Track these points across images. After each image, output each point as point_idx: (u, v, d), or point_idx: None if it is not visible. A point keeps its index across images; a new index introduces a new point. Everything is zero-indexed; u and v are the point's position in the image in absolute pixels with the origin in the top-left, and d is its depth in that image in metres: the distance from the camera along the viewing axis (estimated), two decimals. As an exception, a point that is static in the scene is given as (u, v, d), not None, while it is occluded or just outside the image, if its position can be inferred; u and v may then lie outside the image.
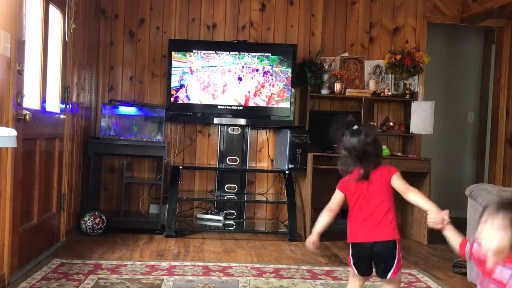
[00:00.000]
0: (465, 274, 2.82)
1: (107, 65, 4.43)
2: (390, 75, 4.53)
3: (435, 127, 4.43)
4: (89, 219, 3.79)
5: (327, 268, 3.16)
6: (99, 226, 3.80)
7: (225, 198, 4.35)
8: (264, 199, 4.51)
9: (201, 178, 4.50)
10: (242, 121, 4.35)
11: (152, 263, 3.06)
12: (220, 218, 4.26)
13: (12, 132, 1.78)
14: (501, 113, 4.91)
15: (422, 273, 3.15)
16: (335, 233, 4.43)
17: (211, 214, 4.32)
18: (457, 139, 5.79)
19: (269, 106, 4.34)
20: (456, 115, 5.78)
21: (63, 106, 3.45)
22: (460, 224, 2.85)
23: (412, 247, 4.06)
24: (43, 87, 3.09)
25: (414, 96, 4.50)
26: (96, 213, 3.84)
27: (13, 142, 1.76)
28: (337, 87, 4.40)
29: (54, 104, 3.34)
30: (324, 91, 4.40)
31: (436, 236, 4.25)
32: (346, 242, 4.23)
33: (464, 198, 2.78)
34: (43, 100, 3.10)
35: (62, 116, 3.42)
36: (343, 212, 4.49)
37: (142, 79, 4.47)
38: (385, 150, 4.28)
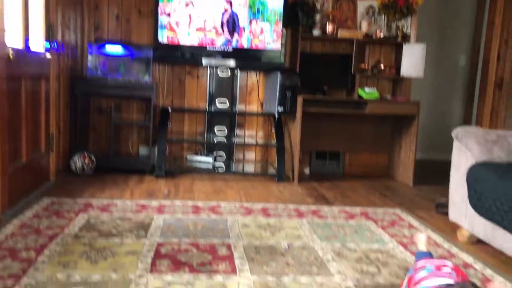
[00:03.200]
0: (447, 214, 2.91)
1: (91, 3, 4.28)
2: (383, 17, 4.44)
3: (426, 70, 4.41)
4: (78, 160, 3.80)
5: (314, 207, 3.24)
6: (89, 167, 3.82)
7: (215, 140, 4.36)
8: (254, 141, 4.54)
9: (190, 120, 4.49)
10: (232, 63, 4.28)
11: (143, 202, 3.11)
12: (210, 159, 4.30)
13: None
14: (492, 57, 4.88)
15: (406, 212, 3.25)
16: (322, 174, 4.53)
17: (201, 155, 4.35)
18: (447, 83, 5.79)
19: (259, 48, 4.27)
20: (448, 58, 5.75)
21: (48, 45, 3.36)
22: (446, 167, 2.91)
23: (397, 188, 4.16)
24: (25, 25, 3.00)
25: (406, 38, 4.43)
26: (86, 153, 3.85)
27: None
28: (329, 28, 4.32)
29: (38, 44, 3.26)
30: (316, 32, 4.32)
31: (422, 178, 4.36)
32: (333, 183, 4.37)
33: (452, 142, 2.81)
34: (27, 39, 3.02)
35: (47, 55, 3.35)
36: (318, 154, 4.50)
37: (129, 17, 4.34)
38: (375, 93, 4.28)
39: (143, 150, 4.39)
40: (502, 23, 4.78)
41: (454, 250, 2.54)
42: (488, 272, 2.24)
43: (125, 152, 4.41)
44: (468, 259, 2.41)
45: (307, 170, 4.62)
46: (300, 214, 3.05)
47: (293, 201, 3.41)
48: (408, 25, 4.47)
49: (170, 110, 4.13)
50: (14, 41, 2.81)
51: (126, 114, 4.39)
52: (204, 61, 4.24)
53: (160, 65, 4.37)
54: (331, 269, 2.15)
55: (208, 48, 4.22)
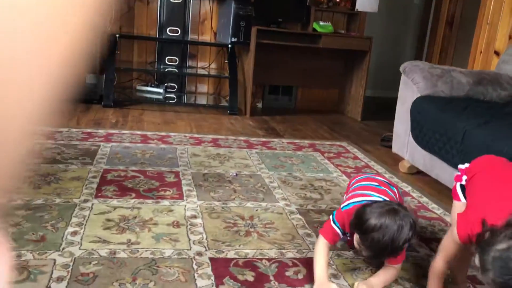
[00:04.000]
0: (390, 147, 3.02)
1: None
2: None
3: (380, 5, 4.40)
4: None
5: (264, 139, 3.28)
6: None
7: (166, 70, 4.25)
8: (206, 73, 4.46)
9: (140, 49, 4.33)
10: (184, -11, 4.10)
11: (89, 130, 3.03)
12: (161, 90, 4.21)
13: None
14: (445, -5, 4.92)
15: (352, 145, 3.35)
16: (274, 108, 4.56)
17: (151, 86, 4.24)
18: (400, 20, 5.82)
19: (213, -27, 4.09)
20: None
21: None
22: (395, 103, 2.99)
23: (346, 122, 4.26)
24: None
25: (363, -29, 4.36)
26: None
27: None
28: (285, -44, 4.17)
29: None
30: (272, -39, 4.17)
31: (370, 114, 4.47)
32: (284, 117, 4.40)
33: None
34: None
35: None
36: (271, 89, 4.46)
37: None
38: (329, 27, 4.25)
39: (90, 79, 4.22)
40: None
41: (395, 180, 2.66)
42: (424, 199, 2.37)
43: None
44: (407, 188, 2.53)
45: (259, 104, 4.62)
46: (250, 145, 3.08)
47: (244, 133, 3.43)
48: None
49: (117, 37, 3.95)
50: None
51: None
52: (155, -14, 4.02)
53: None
54: (276, 196, 2.22)
55: (158, -28, 3.99)
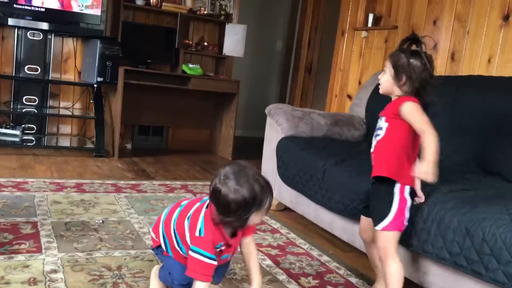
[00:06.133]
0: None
1: None
2: (208, -6, 4.50)
3: (247, 51, 4.63)
4: None
5: (133, 182, 3.17)
6: None
7: (24, 111, 3.92)
8: (70, 113, 4.21)
9: (-7, 87, 3.95)
10: (44, 26, 3.87)
11: None
12: (17, 132, 3.85)
13: None
14: (304, 43, 5.37)
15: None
16: (145, 149, 4.46)
17: (6, 128, 3.87)
18: (265, 65, 6.18)
19: (77, 11, 3.94)
20: (267, 41, 6.12)
21: None
22: (262, 143, 3.11)
23: (218, 162, 4.32)
24: None
25: (228, 18, 4.58)
26: None
27: None
28: (153, -1, 4.21)
29: None
30: (139, 2, 4.18)
31: (240, 153, 4.60)
32: (156, 158, 4.32)
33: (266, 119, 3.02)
34: None
35: None
36: (141, 129, 4.40)
37: None
38: (198, 70, 4.34)
39: None
40: (313, 12, 5.27)
41: (264, 218, 2.74)
42: (292, 235, 2.48)
43: None
44: (276, 224, 2.63)
45: (129, 145, 4.48)
46: (118, 189, 2.95)
47: (112, 177, 3.28)
48: (231, 5, 4.62)
49: (-35, 74, 3.57)
50: None
51: None
52: (11, 21, 3.74)
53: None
54: (147, 242, 2.13)
55: (15, 5, 3.73)
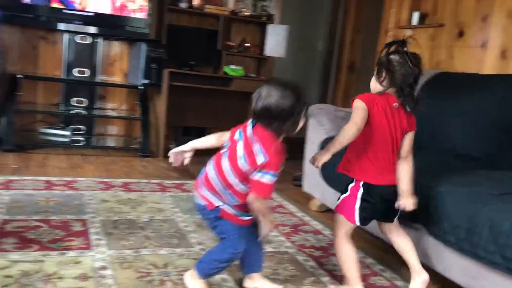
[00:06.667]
0: (301, 186, 3.11)
1: None
2: (249, -5, 4.54)
3: (287, 51, 4.62)
4: None
5: (177, 182, 3.23)
6: None
7: (74, 112, 4.08)
8: (117, 115, 4.34)
9: (45, 90, 4.12)
10: (92, 30, 4.02)
11: (-15, 177, 2.79)
12: (67, 133, 4.01)
13: None
14: (346, 43, 5.31)
15: (265, 185, 3.40)
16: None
17: (56, 129, 4.03)
18: (306, 65, 6.14)
19: (123, 15, 4.06)
20: (308, 41, 6.09)
21: None
22: (301, 142, 3.10)
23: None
24: None
25: (270, 18, 4.59)
26: None
27: None
28: (196, 1, 4.28)
29: None
30: (183, 5, 4.26)
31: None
32: (200, 158, 4.35)
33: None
34: None
35: None
36: (185, 130, 4.42)
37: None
38: (240, 71, 4.37)
39: (-13, 121, 3.92)
40: (356, 13, 5.21)
41: (307, 218, 2.73)
42: (334, 236, 2.45)
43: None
44: (319, 226, 2.61)
45: (173, 146, 4.56)
46: (163, 188, 3.02)
47: (157, 176, 3.36)
48: (273, 6, 4.63)
49: (19, 78, 3.74)
50: None
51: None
52: (62, 25, 3.90)
53: (8, 27, 3.91)
54: (192, 240, 2.17)
55: (65, 10, 3.88)
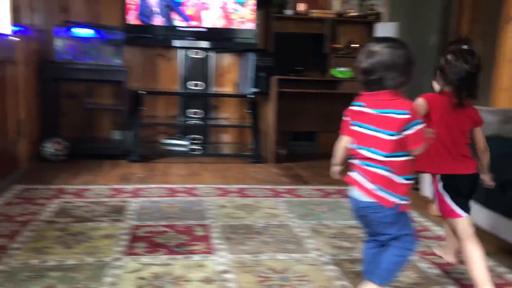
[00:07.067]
0: (417, 189, 2.97)
1: (58, -16, 4.14)
2: (355, -5, 4.45)
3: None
4: (50, 146, 3.72)
5: (290, 187, 3.26)
6: (61, 153, 3.74)
7: (192, 123, 4.33)
8: (229, 123, 4.51)
9: (163, 103, 4.43)
10: (204, 44, 4.23)
11: (117, 186, 3.07)
12: (186, 142, 4.27)
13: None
14: (462, 36, 4.95)
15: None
16: (299, 154, 4.56)
17: (176, 139, 4.31)
18: (418, 61, 5.84)
19: (232, 28, 4.22)
20: (419, 37, 5.79)
21: (15, 28, 3.25)
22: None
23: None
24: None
25: (378, 17, 4.46)
26: (58, 139, 3.77)
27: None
28: (301, 7, 4.30)
29: (5, 27, 3.14)
30: (289, 12, 4.31)
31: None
32: (309, 163, 4.39)
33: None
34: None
35: (14, 39, 3.23)
36: (295, 135, 4.44)
37: (97, -1, 4.22)
38: (348, 73, 4.30)
39: (116, 135, 4.32)
40: (473, 1, 4.85)
41: (427, 224, 2.59)
42: (459, 243, 2.30)
43: (97, 137, 4.32)
44: (440, 232, 2.46)
45: (284, 151, 4.62)
46: (276, 194, 3.07)
47: (269, 182, 3.43)
48: (380, 4, 4.49)
49: (143, 94, 4.07)
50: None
51: (97, 99, 4.30)
52: (176, 42, 4.17)
53: (130, 47, 4.27)
54: (308, 246, 2.18)
55: (179, 28, 4.14)
